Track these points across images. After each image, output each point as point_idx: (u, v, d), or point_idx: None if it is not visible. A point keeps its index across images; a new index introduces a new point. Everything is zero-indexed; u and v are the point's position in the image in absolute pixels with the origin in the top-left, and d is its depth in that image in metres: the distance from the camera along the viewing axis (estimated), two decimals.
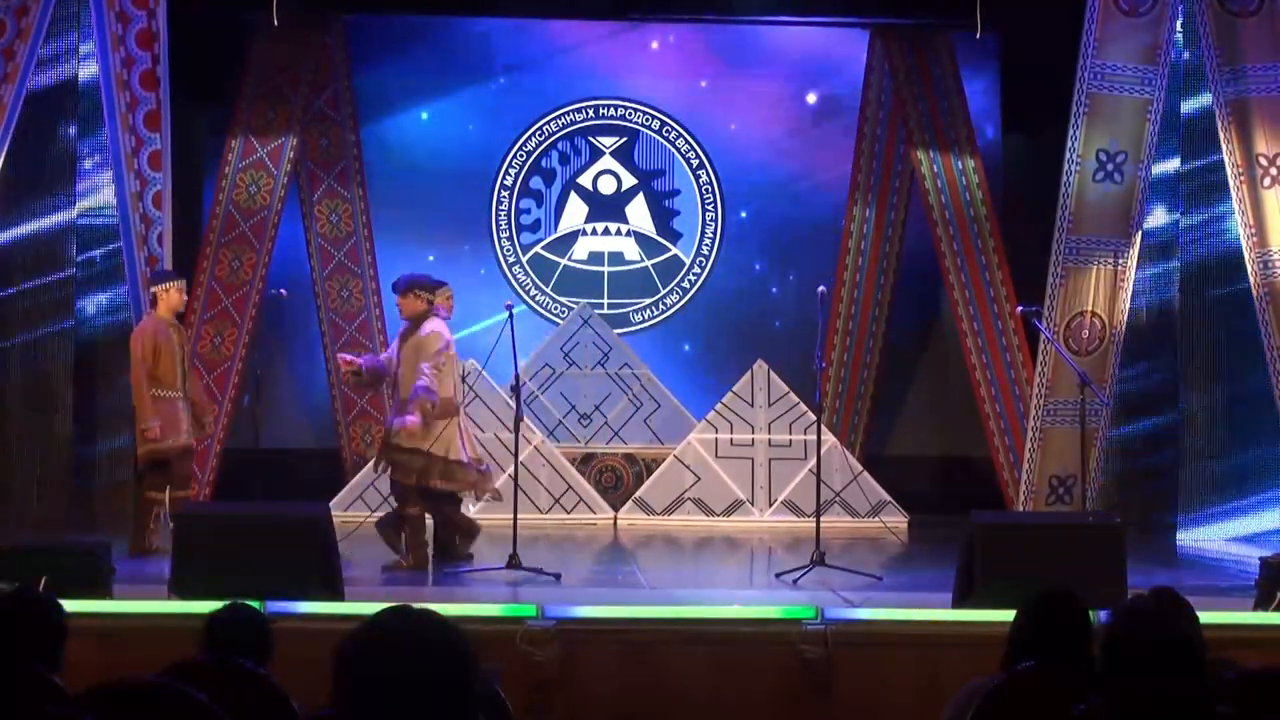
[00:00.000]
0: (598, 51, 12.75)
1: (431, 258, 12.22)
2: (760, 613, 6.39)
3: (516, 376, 8.39)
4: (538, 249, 12.66)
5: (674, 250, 12.70)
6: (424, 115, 12.61)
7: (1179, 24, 9.91)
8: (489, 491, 8.92)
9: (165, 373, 8.86)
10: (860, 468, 11.06)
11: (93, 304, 11.19)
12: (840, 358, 12.09)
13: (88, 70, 10.75)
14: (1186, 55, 10.42)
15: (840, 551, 9.17)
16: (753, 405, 11.20)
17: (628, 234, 12.70)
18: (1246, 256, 9.07)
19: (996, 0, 10.27)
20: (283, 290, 10.00)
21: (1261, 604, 6.65)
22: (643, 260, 12.68)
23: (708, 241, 12.70)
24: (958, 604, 6.70)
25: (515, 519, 8.31)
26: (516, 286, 12.60)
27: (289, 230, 11.93)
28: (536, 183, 12.72)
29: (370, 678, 2.30)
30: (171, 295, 9.00)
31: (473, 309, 11.83)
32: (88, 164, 11.00)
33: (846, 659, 5.95)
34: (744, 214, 12.74)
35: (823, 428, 9.45)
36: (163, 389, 8.85)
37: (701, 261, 12.69)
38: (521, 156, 12.68)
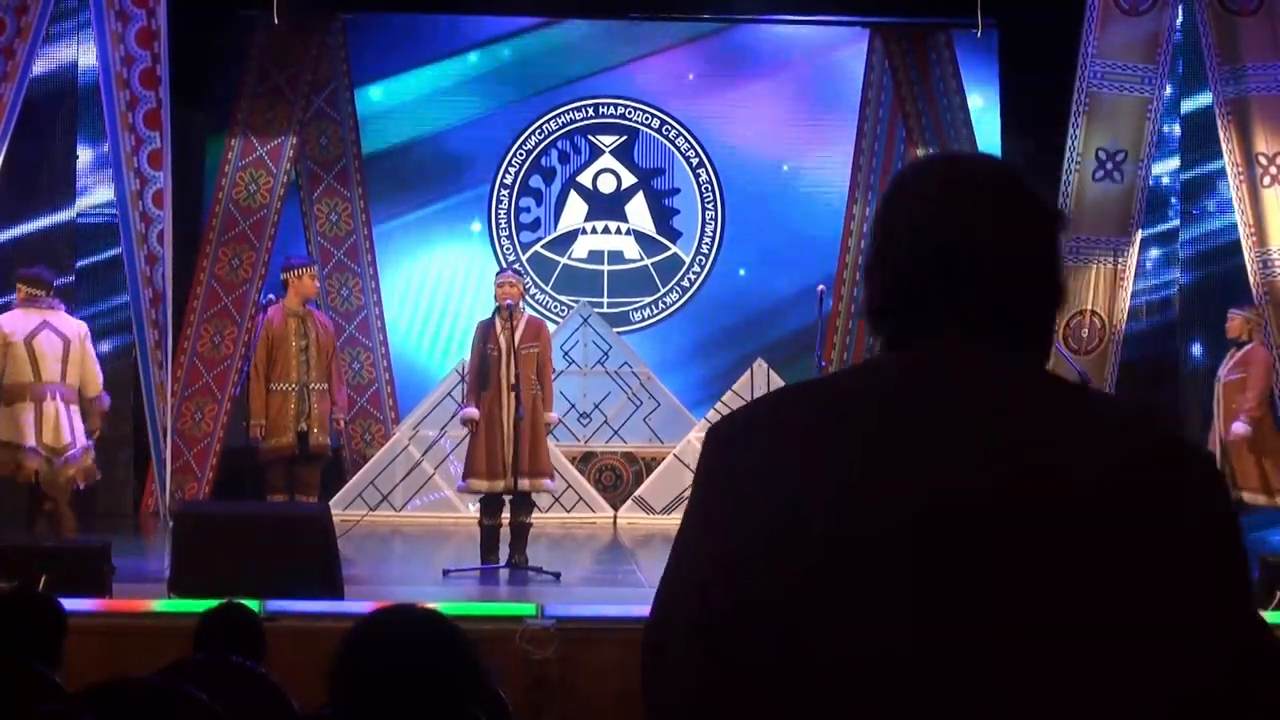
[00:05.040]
0: (598, 50, 12.73)
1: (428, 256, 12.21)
2: None
3: (516, 375, 8.37)
4: (537, 248, 12.64)
5: (674, 249, 12.69)
6: (423, 113, 12.58)
7: (1178, 23, 9.90)
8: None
9: (280, 366, 8.45)
10: None
11: (92, 303, 11.17)
12: (840, 357, 12.08)
13: (87, 68, 10.74)
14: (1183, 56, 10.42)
15: None
16: None
17: (627, 233, 12.69)
18: (1246, 256, 9.06)
19: None
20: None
21: (1261, 604, 6.66)
22: (642, 259, 12.66)
23: (707, 240, 12.69)
24: None
25: (514, 518, 8.31)
26: None
27: (288, 229, 11.92)
28: (536, 181, 12.70)
29: (369, 676, 2.30)
30: (304, 282, 8.65)
31: (472, 308, 11.82)
32: (87, 163, 10.99)
33: None
34: (743, 212, 12.72)
35: None
36: (277, 382, 8.44)
37: (701, 260, 12.68)
38: (521, 155, 12.67)
